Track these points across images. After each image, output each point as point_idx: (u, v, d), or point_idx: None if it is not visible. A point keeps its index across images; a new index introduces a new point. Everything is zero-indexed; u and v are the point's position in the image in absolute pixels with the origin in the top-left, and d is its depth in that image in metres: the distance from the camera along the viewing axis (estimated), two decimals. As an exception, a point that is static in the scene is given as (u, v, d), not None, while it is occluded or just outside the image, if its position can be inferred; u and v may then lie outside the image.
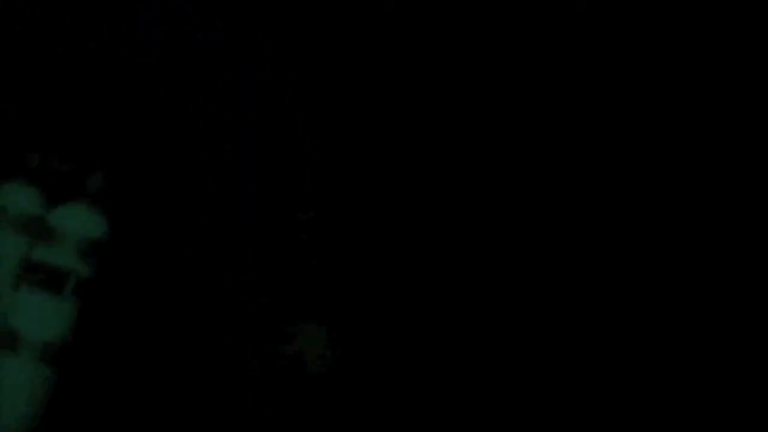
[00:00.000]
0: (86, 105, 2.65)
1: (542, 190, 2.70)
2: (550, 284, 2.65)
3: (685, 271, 2.66)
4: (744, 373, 2.57)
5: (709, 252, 2.66)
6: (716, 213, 2.67)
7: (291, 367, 2.52)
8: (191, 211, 2.66)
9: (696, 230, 2.67)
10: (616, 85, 2.73)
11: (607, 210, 2.69)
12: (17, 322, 2.39)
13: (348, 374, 2.54)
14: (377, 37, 2.75)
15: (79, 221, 2.45)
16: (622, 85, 2.73)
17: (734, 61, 2.71)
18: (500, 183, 2.70)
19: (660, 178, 2.70)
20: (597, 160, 2.72)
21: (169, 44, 2.74)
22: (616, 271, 2.66)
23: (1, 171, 2.55)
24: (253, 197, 2.69)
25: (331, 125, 2.72)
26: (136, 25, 2.73)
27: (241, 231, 2.67)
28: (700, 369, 2.58)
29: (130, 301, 2.60)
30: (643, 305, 2.64)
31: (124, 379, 2.54)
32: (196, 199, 2.62)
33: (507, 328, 2.61)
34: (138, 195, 2.65)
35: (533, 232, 2.67)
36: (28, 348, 2.38)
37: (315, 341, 2.55)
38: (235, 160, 2.70)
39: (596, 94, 2.73)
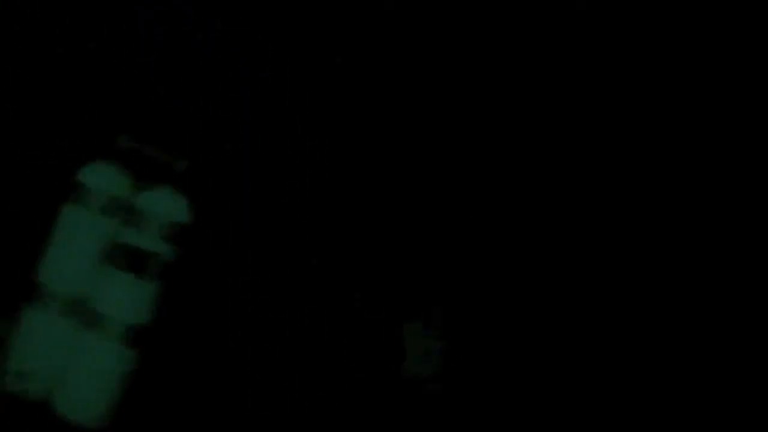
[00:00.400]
0: (175, 92, 2.67)
1: (542, 190, 2.70)
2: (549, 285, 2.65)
3: (684, 271, 2.66)
4: (744, 373, 2.57)
5: (710, 252, 2.66)
6: (716, 213, 2.68)
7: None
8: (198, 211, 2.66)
9: (696, 230, 2.68)
10: (616, 85, 2.73)
11: (607, 210, 2.69)
12: (101, 302, 2.40)
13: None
14: (377, 37, 2.75)
15: (165, 205, 2.46)
16: (622, 85, 2.73)
17: (734, 61, 2.71)
18: (500, 182, 2.70)
19: (660, 178, 2.70)
20: (597, 160, 2.72)
21: (169, 44, 2.74)
22: (616, 272, 2.66)
23: (90, 152, 2.56)
24: (253, 197, 2.69)
25: (331, 125, 2.72)
26: (136, 25, 2.74)
27: (240, 231, 2.67)
28: (699, 369, 2.59)
29: (211, 286, 2.63)
30: (642, 305, 2.64)
31: (204, 362, 2.56)
32: (195, 200, 2.62)
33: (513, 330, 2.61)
34: (221, 181, 2.66)
35: (532, 235, 2.68)
36: (111, 329, 2.39)
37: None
38: (235, 160, 2.71)
39: (596, 94, 2.73)
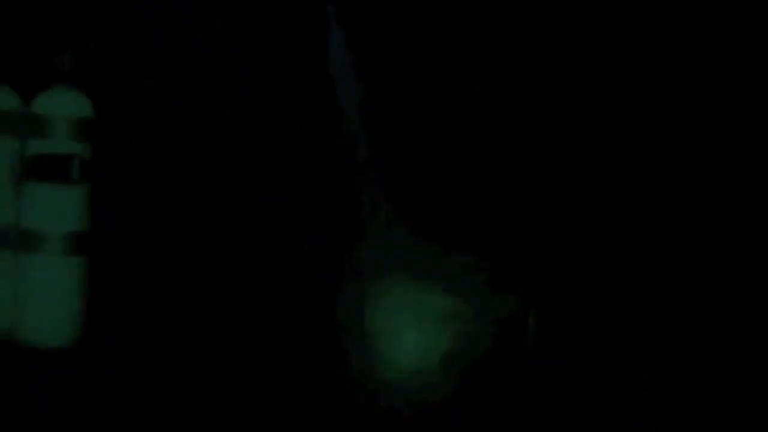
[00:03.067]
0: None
1: (542, 192, 2.70)
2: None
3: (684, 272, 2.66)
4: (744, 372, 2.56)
5: (710, 253, 2.66)
6: (716, 213, 2.67)
7: None
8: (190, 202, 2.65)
9: (696, 230, 2.67)
10: (616, 86, 2.73)
11: (608, 211, 2.69)
12: (31, 220, 2.32)
13: None
14: (377, 36, 2.75)
15: (63, 103, 2.36)
16: (622, 85, 2.73)
17: (735, 62, 2.71)
18: (500, 183, 2.70)
19: (661, 178, 2.70)
20: (597, 160, 2.72)
21: (169, 44, 2.74)
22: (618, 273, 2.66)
23: None
24: (253, 198, 2.69)
25: (331, 125, 2.72)
26: (136, 25, 2.74)
27: (239, 233, 2.67)
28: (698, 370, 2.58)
29: (139, 177, 2.53)
30: (643, 307, 2.64)
31: (155, 257, 2.48)
32: (195, 199, 2.60)
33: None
34: (113, 70, 2.56)
35: (533, 238, 2.67)
36: (50, 244, 2.30)
37: None
38: (235, 160, 2.71)
39: (596, 94, 2.73)
